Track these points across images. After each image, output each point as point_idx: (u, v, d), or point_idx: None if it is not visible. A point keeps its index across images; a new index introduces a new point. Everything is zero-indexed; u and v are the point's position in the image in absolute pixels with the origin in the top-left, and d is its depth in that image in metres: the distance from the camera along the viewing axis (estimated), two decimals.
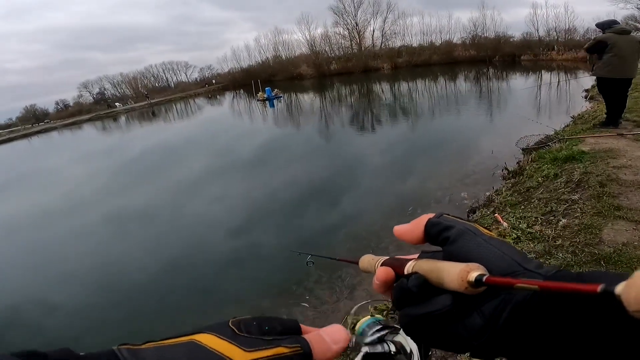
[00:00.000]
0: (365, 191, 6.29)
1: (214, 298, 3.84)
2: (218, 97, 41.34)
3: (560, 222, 3.05)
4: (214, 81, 56.81)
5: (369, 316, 0.42)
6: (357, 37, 47.36)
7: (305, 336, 0.27)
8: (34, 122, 53.23)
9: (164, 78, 61.61)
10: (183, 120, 26.68)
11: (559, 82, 17.53)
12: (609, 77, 5.14)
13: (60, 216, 7.80)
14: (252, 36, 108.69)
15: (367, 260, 0.38)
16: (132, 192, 8.76)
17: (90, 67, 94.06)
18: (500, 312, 0.25)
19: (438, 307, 0.27)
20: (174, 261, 4.79)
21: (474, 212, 4.25)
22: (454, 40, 43.71)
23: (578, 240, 2.72)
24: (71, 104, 59.12)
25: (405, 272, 0.31)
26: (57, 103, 60.37)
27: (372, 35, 47.65)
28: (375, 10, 46.27)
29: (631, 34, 5.21)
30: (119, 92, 58.23)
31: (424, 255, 0.33)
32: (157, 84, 60.34)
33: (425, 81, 27.13)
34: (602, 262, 2.41)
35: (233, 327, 0.26)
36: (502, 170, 5.44)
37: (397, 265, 0.33)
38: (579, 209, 3.18)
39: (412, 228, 0.34)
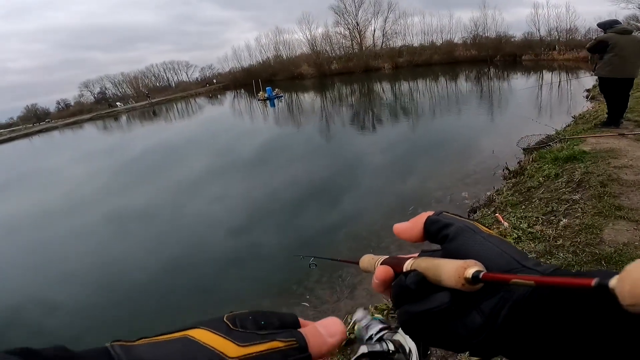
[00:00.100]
0: (365, 191, 6.29)
1: (214, 297, 3.84)
2: (219, 96, 41.37)
3: (561, 222, 3.05)
4: (214, 81, 56.86)
5: (368, 316, 0.42)
6: (358, 36, 47.39)
7: (301, 330, 0.27)
8: (35, 121, 53.32)
9: (165, 78, 61.81)
10: (184, 119, 26.70)
11: (560, 82, 17.51)
12: (610, 77, 5.14)
13: (61, 215, 7.82)
14: (253, 36, 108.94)
15: (367, 260, 0.39)
16: (133, 191, 8.77)
17: (90, 67, 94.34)
18: (499, 310, 0.25)
19: (436, 304, 0.27)
20: (174, 261, 4.79)
21: (475, 212, 4.24)
22: (455, 40, 43.81)
23: (579, 240, 2.71)
24: (72, 103, 59.33)
25: (404, 270, 0.31)
26: (58, 102, 60.60)
27: (373, 35, 47.72)
28: (376, 10, 46.37)
29: (633, 33, 5.20)
30: (120, 92, 58.40)
31: (423, 254, 0.33)
32: (158, 84, 60.47)
33: (426, 81, 27.12)
34: (603, 262, 2.40)
35: (228, 322, 0.25)
36: (503, 170, 5.43)
37: (396, 264, 0.33)
38: (579, 209, 3.18)
39: (412, 226, 0.34)
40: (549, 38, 35.91)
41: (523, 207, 3.67)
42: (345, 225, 4.92)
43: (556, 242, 2.78)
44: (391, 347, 0.36)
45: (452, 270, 0.25)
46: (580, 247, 2.63)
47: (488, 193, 4.75)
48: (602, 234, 2.72)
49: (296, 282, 3.70)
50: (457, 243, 0.30)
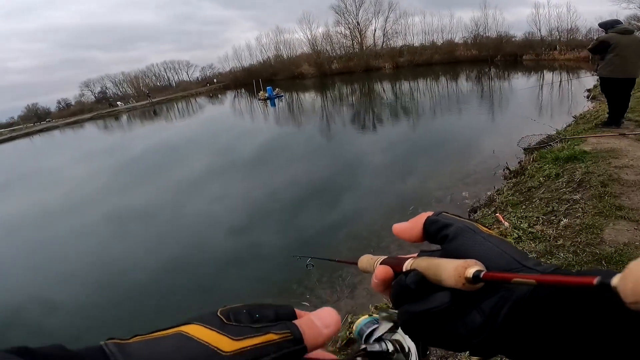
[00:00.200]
0: (366, 190, 6.29)
1: (214, 297, 3.84)
2: (219, 96, 41.39)
3: (562, 222, 3.04)
4: (215, 80, 56.85)
5: (367, 315, 0.42)
6: (358, 36, 47.37)
7: (296, 321, 0.27)
8: (36, 120, 53.36)
9: (166, 77, 61.78)
10: (184, 119, 26.71)
11: (560, 81, 17.49)
12: (612, 77, 5.13)
13: (62, 215, 7.82)
14: (254, 35, 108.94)
15: (366, 260, 0.38)
16: (133, 191, 8.77)
17: (91, 67, 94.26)
18: (499, 309, 0.25)
19: (436, 304, 0.27)
20: (174, 260, 4.79)
21: (475, 212, 4.24)
22: (456, 40, 43.80)
23: (579, 240, 2.71)
24: (73, 102, 59.34)
25: (404, 270, 0.31)
26: (59, 102, 60.62)
27: (374, 35, 47.72)
28: (377, 10, 46.34)
29: (634, 33, 5.19)
30: (121, 91, 58.43)
31: (422, 254, 0.32)
32: (158, 83, 60.46)
33: (426, 81, 27.10)
34: (604, 262, 2.40)
35: (221, 317, 0.25)
36: (504, 169, 5.43)
37: (395, 264, 0.33)
38: (580, 209, 3.17)
39: (411, 226, 0.34)
40: (549, 38, 35.90)
41: (523, 207, 3.66)
42: (345, 225, 4.92)
43: (557, 242, 2.78)
44: (390, 346, 0.36)
45: (453, 270, 0.25)
46: (580, 247, 2.63)
47: (488, 193, 4.75)
48: (602, 234, 2.72)
49: (296, 282, 3.70)
50: (456, 243, 0.30)
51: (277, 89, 25.87)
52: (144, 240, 5.83)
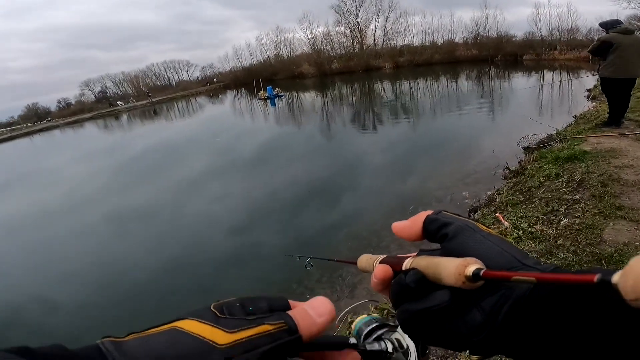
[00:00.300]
0: (366, 190, 6.29)
1: (214, 297, 3.77)
2: (219, 95, 41.38)
3: (562, 222, 3.04)
4: (215, 80, 56.87)
5: (366, 314, 0.42)
6: (358, 36, 47.35)
7: (290, 312, 0.27)
8: (36, 120, 53.41)
9: (166, 77, 61.79)
10: (185, 118, 26.71)
11: (561, 81, 17.47)
12: (612, 77, 5.11)
13: (62, 215, 7.82)
14: (254, 35, 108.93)
15: (366, 259, 0.38)
16: (133, 191, 8.77)
17: (91, 66, 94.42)
18: (499, 307, 0.25)
19: (436, 302, 0.27)
20: (174, 260, 4.79)
21: (475, 212, 4.24)
22: (456, 40, 43.76)
23: (579, 240, 2.71)
24: (73, 102, 59.36)
25: (403, 269, 0.31)
26: (59, 101, 60.64)
27: (374, 34, 47.70)
28: (377, 9, 46.32)
29: (635, 33, 5.18)
30: (121, 91, 58.48)
31: (422, 253, 0.32)
32: (158, 83, 60.47)
33: (426, 80, 27.09)
34: (604, 262, 2.40)
35: (215, 311, 0.25)
36: (504, 169, 5.43)
37: (395, 263, 0.33)
38: (580, 209, 3.17)
39: (411, 225, 0.34)
40: (550, 38, 35.86)
41: (523, 206, 3.66)
42: (345, 225, 4.92)
43: (557, 241, 2.78)
44: (389, 346, 0.36)
45: (452, 268, 0.25)
46: (580, 246, 2.63)
47: (488, 192, 4.75)
48: (602, 234, 2.72)
49: (296, 282, 3.70)
50: (456, 242, 0.30)
51: (277, 89, 25.87)
52: (144, 240, 5.83)
